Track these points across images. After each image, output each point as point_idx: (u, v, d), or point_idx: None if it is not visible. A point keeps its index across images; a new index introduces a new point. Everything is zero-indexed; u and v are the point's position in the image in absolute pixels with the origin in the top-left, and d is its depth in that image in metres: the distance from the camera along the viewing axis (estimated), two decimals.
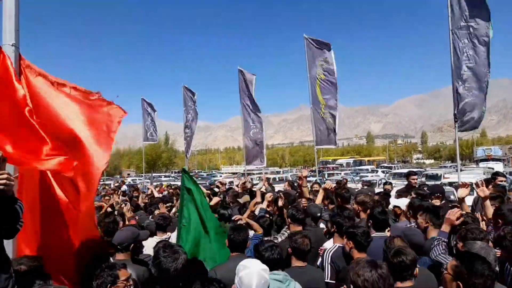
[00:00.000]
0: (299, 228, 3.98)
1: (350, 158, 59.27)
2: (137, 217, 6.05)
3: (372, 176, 24.53)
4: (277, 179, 26.14)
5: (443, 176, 16.36)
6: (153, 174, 43.25)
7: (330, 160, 52.19)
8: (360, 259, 2.50)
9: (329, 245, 3.69)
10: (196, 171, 62.74)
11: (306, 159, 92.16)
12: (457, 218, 3.22)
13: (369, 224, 3.74)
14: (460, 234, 3.07)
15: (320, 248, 3.80)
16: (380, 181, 19.55)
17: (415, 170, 25.80)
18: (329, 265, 3.35)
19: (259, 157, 13.40)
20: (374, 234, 3.51)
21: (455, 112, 7.74)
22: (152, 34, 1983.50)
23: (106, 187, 22.09)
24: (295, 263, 3.18)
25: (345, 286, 2.13)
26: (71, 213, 2.96)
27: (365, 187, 10.62)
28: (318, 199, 5.58)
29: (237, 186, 10.21)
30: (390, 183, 10.66)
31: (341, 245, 3.41)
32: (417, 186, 7.00)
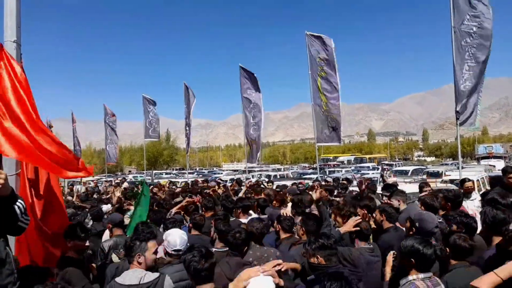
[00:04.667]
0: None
1: (351, 155, 58.91)
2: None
3: (373, 173, 24.43)
4: (278, 176, 26.14)
5: (445, 174, 16.26)
6: (154, 171, 43.26)
7: (331, 158, 51.91)
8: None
9: None
10: (197, 168, 62.64)
11: (307, 156, 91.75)
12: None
13: (257, 210, 5.66)
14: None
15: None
16: (380, 179, 19.44)
17: (416, 167, 25.78)
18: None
19: (255, 155, 13.37)
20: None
21: (457, 109, 7.73)
22: (154, 32, 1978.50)
23: (108, 184, 22.08)
24: (193, 232, 4.44)
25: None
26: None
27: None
28: (240, 194, 7.62)
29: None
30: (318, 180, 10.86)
31: None
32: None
